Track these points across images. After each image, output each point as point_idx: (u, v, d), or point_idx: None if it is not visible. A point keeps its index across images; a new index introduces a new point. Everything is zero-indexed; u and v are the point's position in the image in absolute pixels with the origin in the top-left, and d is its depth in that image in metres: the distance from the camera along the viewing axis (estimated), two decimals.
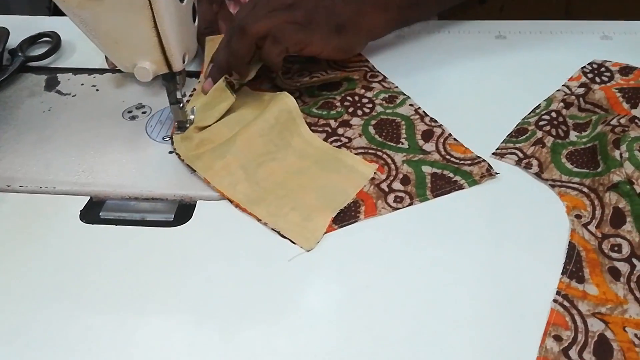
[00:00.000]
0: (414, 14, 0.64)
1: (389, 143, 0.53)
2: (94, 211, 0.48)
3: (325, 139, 0.53)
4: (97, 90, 0.62)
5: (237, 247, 0.44)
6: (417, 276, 0.42)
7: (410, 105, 0.57)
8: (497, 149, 0.52)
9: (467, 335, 0.38)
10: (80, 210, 0.48)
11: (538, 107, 0.56)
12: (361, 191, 0.48)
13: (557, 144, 0.51)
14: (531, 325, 0.38)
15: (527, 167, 0.49)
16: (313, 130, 0.54)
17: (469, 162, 0.51)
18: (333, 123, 0.55)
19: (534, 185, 0.48)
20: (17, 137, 0.55)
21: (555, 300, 0.39)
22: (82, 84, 0.63)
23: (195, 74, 0.63)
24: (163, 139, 0.54)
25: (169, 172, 0.51)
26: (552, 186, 0.47)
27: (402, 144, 0.53)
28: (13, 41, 0.68)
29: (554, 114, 0.54)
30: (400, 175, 0.49)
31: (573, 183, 0.47)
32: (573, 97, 0.55)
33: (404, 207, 0.47)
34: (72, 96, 0.61)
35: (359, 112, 0.56)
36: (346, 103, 0.57)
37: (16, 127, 0.56)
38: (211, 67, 0.57)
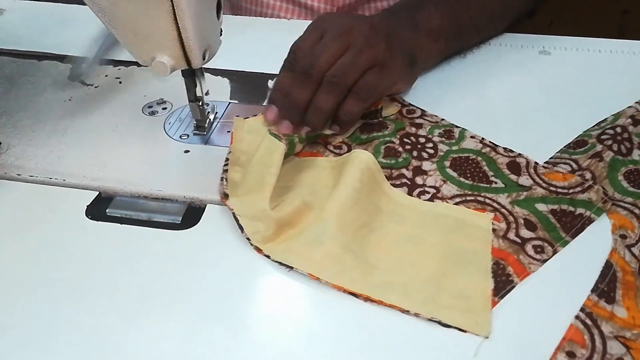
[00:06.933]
0: (456, 46, 0.63)
1: (482, 184, 0.46)
2: (101, 207, 0.46)
3: (409, 194, 0.46)
4: (120, 82, 0.60)
5: (244, 256, 0.42)
6: None
7: (472, 137, 0.51)
8: (550, 158, 0.48)
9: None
10: (87, 206, 0.46)
11: (604, 120, 0.52)
12: (492, 248, 0.41)
13: (616, 160, 0.47)
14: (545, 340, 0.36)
15: None
16: (392, 186, 0.47)
17: (578, 189, 0.46)
18: (407, 172, 0.48)
19: None
20: (34, 126, 0.54)
21: (577, 317, 0.37)
22: (106, 75, 0.61)
23: (220, 72, 0.61)
24: (180, 137, 0.52)
25: (182, 171, 0.49)
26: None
27: (496, 183, 0.47)
28: None
29: (619, 129, 0.50)
30: (521, 220, 0.43)
31: (625, 202, 0.44)
32: None
33: (549, 257, 0.41)
34: (95, 87, 0.60)
35: (424, 155, 0.50)
36: (407, 147, 0.50)
37: (35, 116, 0.55)
38: (288, 109, 0.49)
